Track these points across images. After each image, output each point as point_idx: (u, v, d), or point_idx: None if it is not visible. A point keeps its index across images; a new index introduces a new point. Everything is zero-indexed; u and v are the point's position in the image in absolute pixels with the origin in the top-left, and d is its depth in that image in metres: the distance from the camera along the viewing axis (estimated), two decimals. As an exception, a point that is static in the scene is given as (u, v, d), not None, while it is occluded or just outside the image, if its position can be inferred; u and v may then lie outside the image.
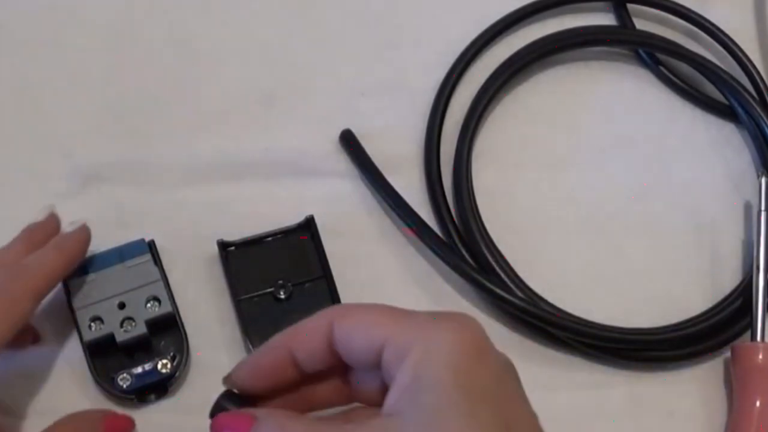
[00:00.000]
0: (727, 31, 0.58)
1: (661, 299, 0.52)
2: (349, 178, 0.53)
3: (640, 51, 0.58)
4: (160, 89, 0.54)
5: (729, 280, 0.52)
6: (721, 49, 0.58)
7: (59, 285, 0.47)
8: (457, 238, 0.51)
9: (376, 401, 0.36)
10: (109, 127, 0.53)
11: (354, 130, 0.53)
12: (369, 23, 0.57)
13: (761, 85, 0.56)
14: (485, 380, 0.33)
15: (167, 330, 0.47)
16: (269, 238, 0.50)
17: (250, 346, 0.47)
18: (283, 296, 0.48)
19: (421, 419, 0.32)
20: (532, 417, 0.34)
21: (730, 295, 0.51)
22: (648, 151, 0.56)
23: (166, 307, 0.47)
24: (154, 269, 0.48)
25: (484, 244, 0.51)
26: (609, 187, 0.54)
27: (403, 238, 0.52)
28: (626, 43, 0.58)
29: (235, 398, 0.37)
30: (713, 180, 0.55)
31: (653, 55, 0.58)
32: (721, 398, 0.50)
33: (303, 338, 0.37)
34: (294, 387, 0.38)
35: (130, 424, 0.44)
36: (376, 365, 0.35)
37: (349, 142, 0.53)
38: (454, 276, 0.50)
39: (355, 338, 0.35)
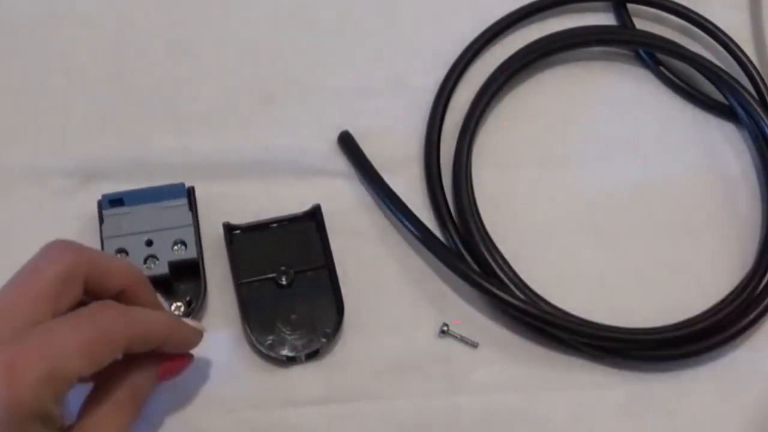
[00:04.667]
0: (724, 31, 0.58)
1: (661, 299, 0.52)
2: (348, 177, 0.53)
3: (640, 51, 0.58)
4: (160, 88, 0.55)
5: (729, 280, 0.52)
6: (720, 49, 0.58)
7: (95, 214, 0.48)
8: (457, 238, 0.51)
9: None
10: (109, 125, 0.53)
11: (353, 131, 0.53)
12: (369, 23, 0.58)
13: (761, 85, 0.56)
14: None
15: (189, 276, 0.48)
16: (275, 224, 0.50)
17: (248, 330, 0.48)
18: (284, 282, 0.49)
19: None
20: None
21: (729, 295, 0.51)
22: (648, 151, 0.56)
23: (192, 253, 0.48)
24: (188, 214, 0.49)
25: (484, 245, 0.51)
26: (609, 187, 0.54)
27: (401, 238, 0.52)
28: (626, 43, 0.58)
29: None
30: (713, 180, 0.55)
31: (653, 55, 0.58)
32: (721, 398, 0.50)
33: None
34: None
35: (187, 361, 0.44)
36: None
37: (347, 144, 0.53)
38: (454, 277, 0.50)
39: None
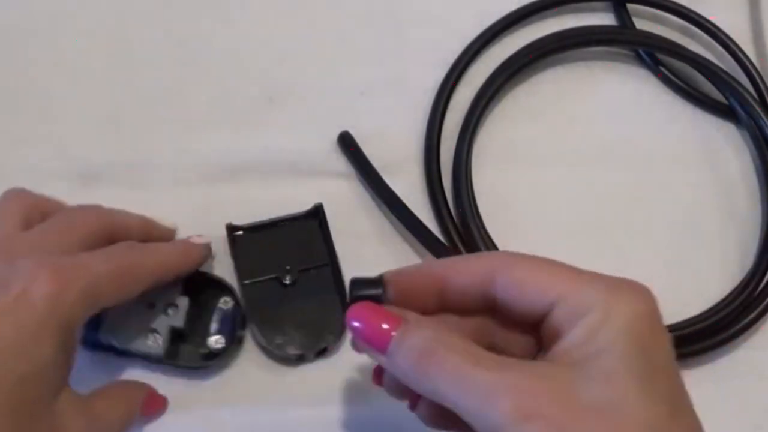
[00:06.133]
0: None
1: (661, 299, 0.51)
2: (348, 177, 0.53)
3: (640, 51, 0.58)
4: (160, 89, 0.54)
5: (728, 280, 0.52)
6: (720, 49, 0.58)
7: None
8: (457, 239, 0.51)
9: (512, 350, 0.38)
10: (108, 126, 0.53)
11: (353, 131, 0.53)
12: (369, 23, 0.57)
13: (761, 85, 0.56)
14: (660, 355, 0.34)
15: (191, 277, 0.48)
16: (277, 224, 0.50)
17: (255, 330, 0.47)
18: (288, 282, 0.49)
19: (594, 377, 0.32)
20: (694, 412, 0.34)
21: (729, 295, 0.51)
22: (648, 152, 0.56)
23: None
24: None
25: (484, 245, 0.51)
26: (609, 187, 0.54)
27: (401, 239, 0.52)
28: (626, 43, 0.58)
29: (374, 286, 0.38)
30: (713, 180, 0.55)
31: (653, 55, 0.58)
32: (720, 398, 0.50)
33: (460, 275, 0.37)
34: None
35: (165, 404, 0.46)
36: (538, 318, 0.35)
37: (347, 144, 0.53)
38: (454, 276, 0.50)
39: (526, 291, 0.36)
